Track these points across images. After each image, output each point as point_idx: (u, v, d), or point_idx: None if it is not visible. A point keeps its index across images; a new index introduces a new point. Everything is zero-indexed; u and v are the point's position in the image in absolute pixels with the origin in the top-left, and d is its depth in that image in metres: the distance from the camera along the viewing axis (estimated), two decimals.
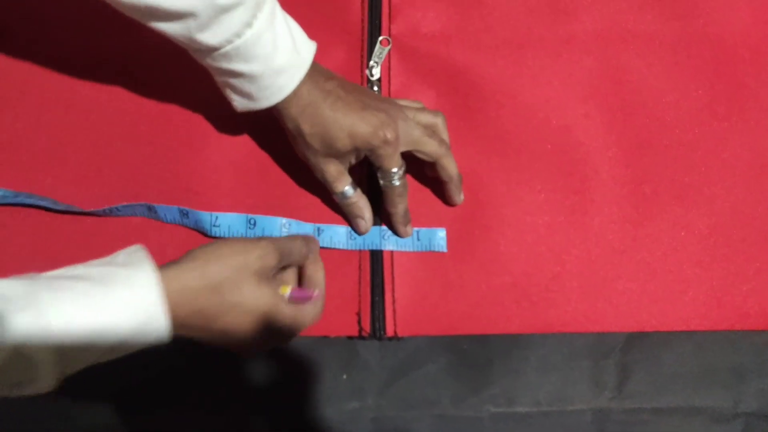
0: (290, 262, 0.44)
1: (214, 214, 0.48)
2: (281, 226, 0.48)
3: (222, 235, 0.48)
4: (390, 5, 0.55)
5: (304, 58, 0.44)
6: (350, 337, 0.48)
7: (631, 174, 0.52)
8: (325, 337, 0.47)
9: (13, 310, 0.34)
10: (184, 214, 0.48)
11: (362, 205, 0.48)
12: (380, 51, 0.53)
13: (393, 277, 0.49)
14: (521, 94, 0.53)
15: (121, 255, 0.39)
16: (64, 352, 0.35)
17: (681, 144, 0.53)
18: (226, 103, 0.46)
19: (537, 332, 0.47)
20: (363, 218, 0.49)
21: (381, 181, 0.47)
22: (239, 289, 0.40)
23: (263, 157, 0.51)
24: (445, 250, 0.49)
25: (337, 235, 0.49)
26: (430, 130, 0.48)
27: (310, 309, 0.43)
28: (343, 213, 0.49)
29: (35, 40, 0.53)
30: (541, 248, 0.50)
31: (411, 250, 0.49)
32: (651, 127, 0.53)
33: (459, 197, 0.50)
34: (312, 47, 0.45)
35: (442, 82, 0.53)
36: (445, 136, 0.48)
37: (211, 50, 0.42)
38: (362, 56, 0.54)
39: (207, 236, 0.48)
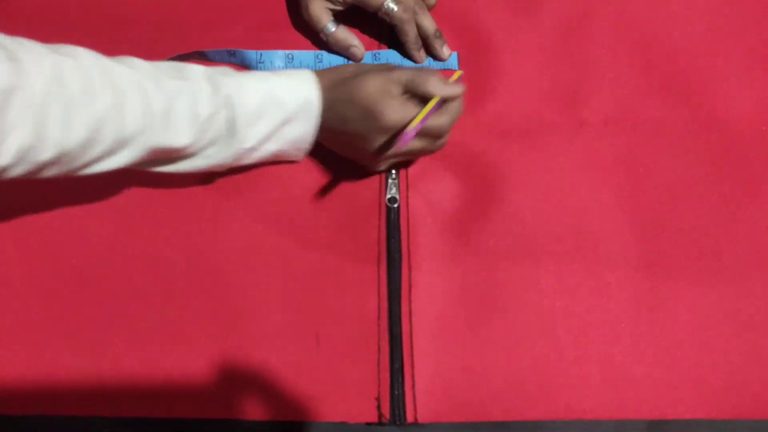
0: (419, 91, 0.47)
1: (259, 51, 0.56)
2: (315, 57, 0.57)
3: (267, 69, 0.56)
4: None
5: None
6: (369, 424, 0.47)
7: (645, 258, 0.52)
8: (344, 423, 0.47)
9: (218, 77, 0.46)
10: (231, 54, 0.56)
11: (347, 36, 0.56)
12: None
13: (412, 362, 0.48)
14: (535, 179, 0.54)
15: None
16: (250, 111, 0.46)
17: (694, 228, 0.53)
18: None
19: (559, 419, 0.47)
20: (354, 45, 0.56)
21: (380, 16, 0.54)
22: (364, 82, 0.47)
23: None
24: (456, 68, 0.56)
25: (364, 58, 0.56)
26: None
27: (416, 108, 0.47)
28: (336, 49, 0.56)
29: None
30: (559, 332, 0.50)
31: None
32: (663, 210, 0.54)
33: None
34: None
35: (458, 167, 0.54)
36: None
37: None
38: None
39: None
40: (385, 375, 0.48)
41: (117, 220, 0.53)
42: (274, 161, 0.52)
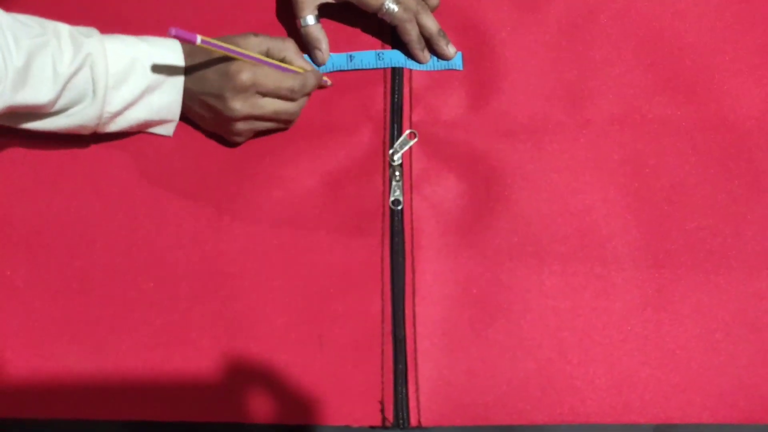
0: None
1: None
2: (376, 56, 0.56)
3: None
4: (411, 93, 0.56)
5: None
6: (373, 427, 0.47)
7: (651, 258, 0.52)
8: (348, 426, 0.47)
9: (79, 36, 0.48)
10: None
11: (320, 37, 0.55)
12: (405, 141, 0.54)
13: (416, 364, 0.48)
14: (541, 179, 0.54)
15: None
16: (115, 73, 0.48)
17: (701, 228, 0.53)
18: None
19: (563, 423, 0.47)
20: (320, 49, 0.55)
21: (380, 16, 0.54)
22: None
23: None
24: (461, 68, 0.56)
25: (366, 57, 0.56)
26: None
27: (269, 70, 0.50)
28: (304, 44, 0.55)
29: None
30: (564, 333, 0.49)
31: (432, 69, 0.56)
32: (670, 210, 0.53)
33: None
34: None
35: (463, 167, 0.54)
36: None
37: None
38: (384, 141, 0.55)
39: None
40: (389, 378, 0.48)
41: (121, 221, 0.53)
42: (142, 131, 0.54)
